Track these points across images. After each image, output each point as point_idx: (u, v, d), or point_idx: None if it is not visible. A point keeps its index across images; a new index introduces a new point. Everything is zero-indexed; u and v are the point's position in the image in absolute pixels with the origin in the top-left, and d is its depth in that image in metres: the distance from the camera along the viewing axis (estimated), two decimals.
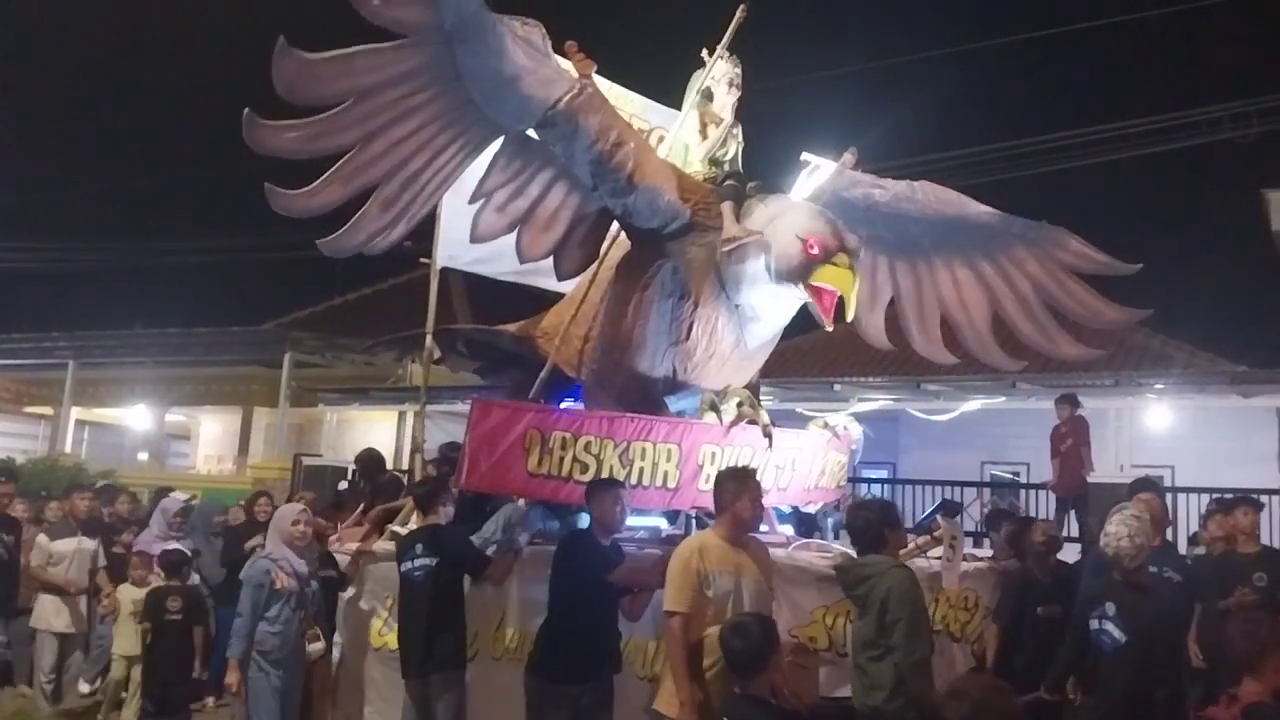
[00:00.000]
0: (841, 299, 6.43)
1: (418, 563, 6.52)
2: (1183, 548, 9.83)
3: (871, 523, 5.58)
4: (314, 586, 7.12)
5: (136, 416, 25.80)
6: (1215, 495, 9.85)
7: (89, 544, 9.96)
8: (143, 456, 25.54)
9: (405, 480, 8.80)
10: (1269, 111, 15.94)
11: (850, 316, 6.61)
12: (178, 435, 27.59)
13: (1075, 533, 11.99)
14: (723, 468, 6.49)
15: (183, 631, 7.87)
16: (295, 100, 5.85)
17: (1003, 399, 15.86)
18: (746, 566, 5.52)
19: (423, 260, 8.19)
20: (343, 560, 7.43)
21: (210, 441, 26.48)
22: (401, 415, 20.90)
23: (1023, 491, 16.02)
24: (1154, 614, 5.56)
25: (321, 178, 6.27)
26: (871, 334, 7.94)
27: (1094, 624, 5.66)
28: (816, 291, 6.41)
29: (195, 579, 8.88)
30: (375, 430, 21.82)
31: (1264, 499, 8.90)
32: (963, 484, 15.50)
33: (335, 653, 7.37)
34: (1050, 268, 7.54)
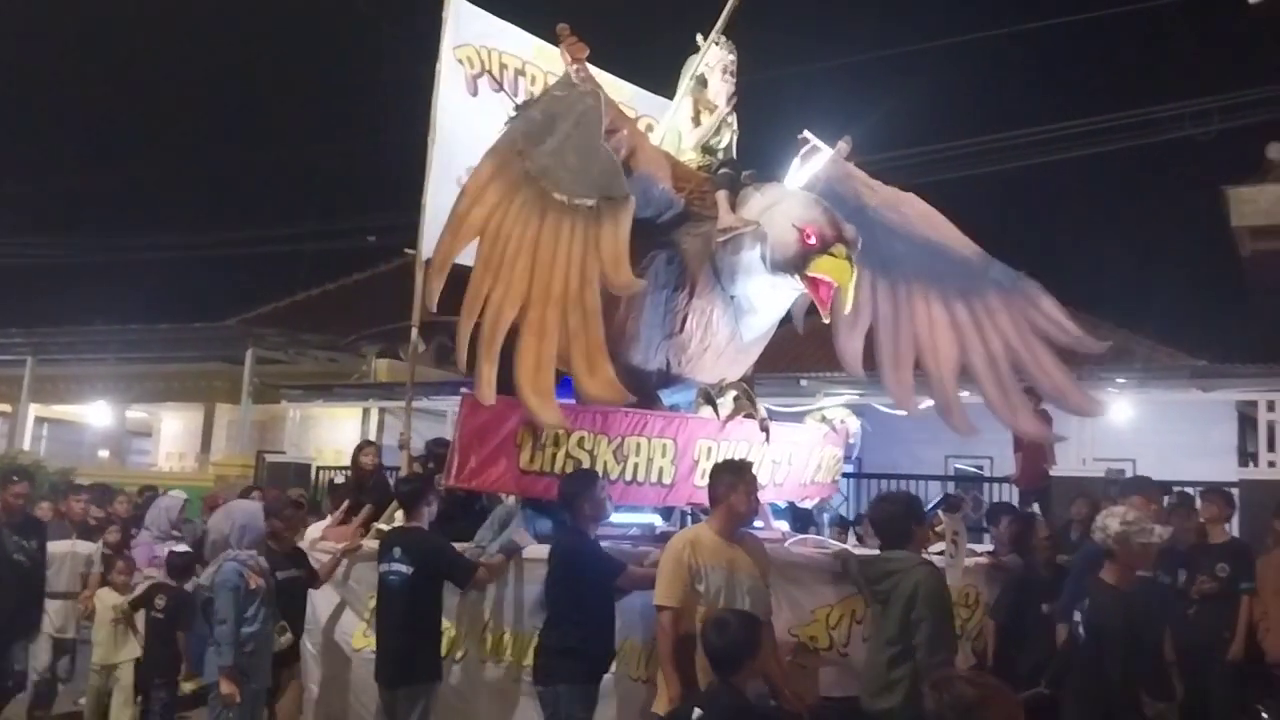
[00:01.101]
0: (838, 290, 6.08)
1: (394, 567, 6.16)
2: None
3: (896, 517, 5.32)
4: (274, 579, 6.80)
5: (97, 413, 25.23)
6: (1177, 490, 9.82)
7: (84, 547, 9.31)
8: (103, 454, 24.96)
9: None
10: (1229, 109, 15.92)
11: (848, 308, 6.26)
12: (139, 432, 27.02)
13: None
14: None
15: (165, 630, 7.64)
16: None
17: (966, 393, 15.66)
18: (741, 562, 5.27)
19: (407, 251, 7.78)
20: (325, 560, 7.02)
21: (172, 438, 25.89)
22: (366, 412, 20.38)
23: (986, 485, 15.98)
24: (1121, 615, 5.17)
25: None
26: (848, 358, 7.24)
27: (1071, 624, 5.45)
28: (813, 282, 6.07)
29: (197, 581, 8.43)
30: (339, 427, 21.41)
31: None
32: (927, 478, 15.40)
33: (308, 651, 7.04)
34: (1022, 328, 7.02)
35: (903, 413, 7.26)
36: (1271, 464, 13.57)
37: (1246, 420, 15.41)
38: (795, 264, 6.10)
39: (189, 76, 47.18)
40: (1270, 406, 13.92)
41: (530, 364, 5.78)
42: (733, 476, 5.44)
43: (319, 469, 18.42)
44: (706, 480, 5.92)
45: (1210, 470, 12.99)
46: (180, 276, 30.56)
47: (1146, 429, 15.74)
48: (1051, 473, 12.35)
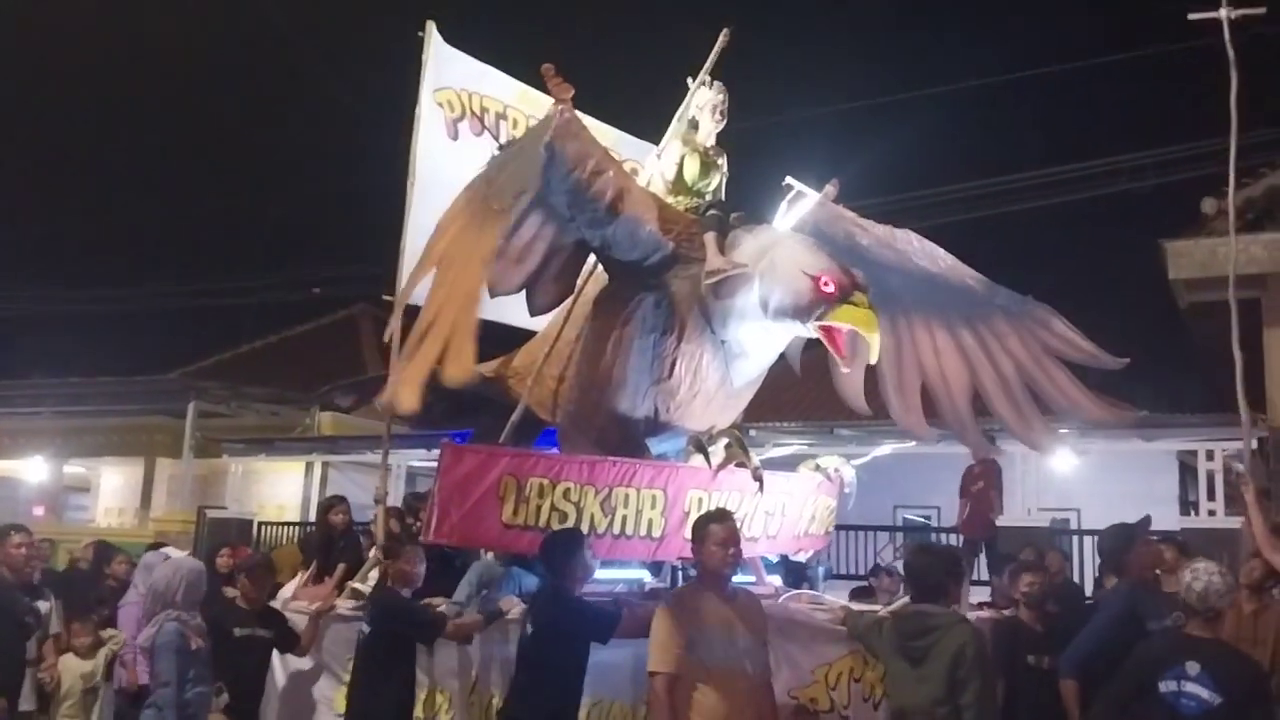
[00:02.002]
0: (856, 337, 5.93)
1: (364, 626, 5.85)
2: (1089, 590, 9.49)
3: (934, 568, 5.01)
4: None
5: (33, 468, 24.21)
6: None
7: (43, 606, 8.02)
8: (38, 511, 24.00)
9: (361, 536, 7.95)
10: (1165, 164, 16.10)
11: (875, 358, 6.06)
12: (77, 487, 26.01)
13: (984, 575, 11.94)
14: None
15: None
16: None
17: (913, 444, 15.59)
18: (737, 621, 4.90)
19: (386, 298, 7.40)
20: (299, 621, 6.58)
21: (111, 493, 24.91)
22: (309, 466, 19.97)
23: (934, 535, 15.84)
24: (1250, 672, 4.87)
25: None
26: (850, 395, 7.02)
27: (1169, 686, 4.85)
28: (828, 332, 5.84)
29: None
30: (282, 481, 20.82)
31: None
32: (875, 528, 15.21)
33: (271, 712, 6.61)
34: (1033, 348, 6.78)
35: (917, 441, 7.11)
36: (1211, 512, 13.59)
37: (1187, 470, 15.43)
38: (808, 312, 5.87)
39: (131, 126, 46.44)
40: (1209, 456, 13.97)
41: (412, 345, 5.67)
42: (699, 530, 5.13)
43: (261, 524, 17.87)
44: None
45: (1154, 519, 12.93)
46: (121, 329, 29.84)
47: (1091, 478, 15.69)
48: (997, 522, 12.19)
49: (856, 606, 6.19)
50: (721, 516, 5.22)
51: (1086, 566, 11.96)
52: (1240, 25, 7.34)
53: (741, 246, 6.25)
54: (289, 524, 18.24)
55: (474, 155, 7.02)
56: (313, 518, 18.97)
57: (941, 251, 6.73)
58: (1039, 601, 6.23)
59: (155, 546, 9.38)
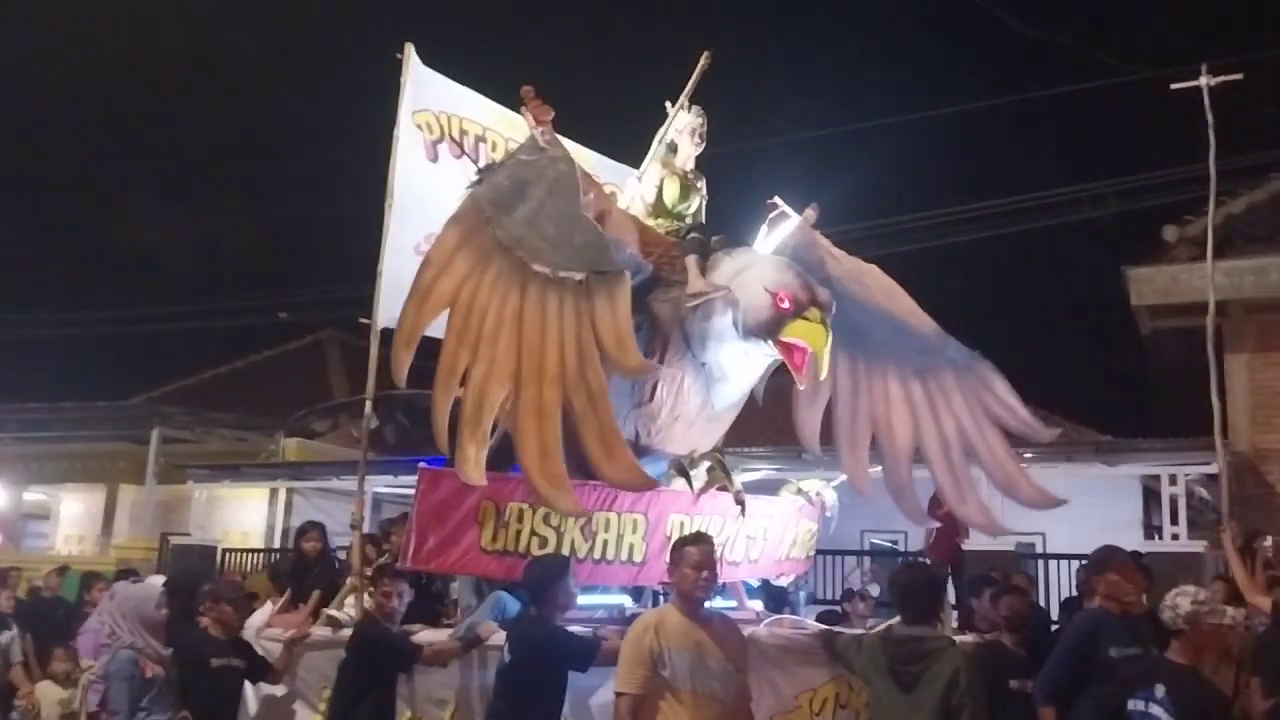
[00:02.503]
0: (812, 355, 5.77)
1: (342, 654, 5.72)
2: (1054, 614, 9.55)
3: (923, 588, 4.99)
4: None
5: None
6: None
7: (3, 636, 8.28)
8: None
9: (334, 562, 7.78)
10: (1127, 192, 16.24)
11: (824, 374, 5.94)
12: (36, 515, 25.49)
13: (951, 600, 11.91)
14: None
15: None
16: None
17: (880, 468, 15.51)
18: (709, 644, 4.83)
19: (362, 321, 7.27)
20: (273, 648, 6.40)
21: (71, 520, 24.35)
22: (274, 492, 19.72)
23: (901, 560, 15.78)
24: (1211, 703, 4.87)
25: None
26: (806, 434, 6.94)
27: (1136, 705, 4.92)
28: (787, 348, 5.74)
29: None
30: (246, 508, 20.41)
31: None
32: (843, 553, 15.12)
33: None
34: (975, 410, 6.73)
35: (860, 494, 6.97)
36: (1175, 536, 13.60)
37: (1151, 494, 15.47)
38: (768, 328, 5.76)
39: (96, 147, 45.86)
40: (1172, 480, 14.01)
41: (534, 449, 5.26)
42: (675, 552, 5.07)
43: (225, 551, 17.53)
44: None
45: (1119, 543, 12.89)
46: (84, 353, 29.36)
47: None
48: (965, 547, 12.17)
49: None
50: (698, 539, 5.15)
51: (1052, 590, 12.04)
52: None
53: (721, 269, 6.18)
54: (253, 551, 18.04)
55: (454, 177, 6.90)
56: (277, 544, 18.87)
57: (901, 292, 6.71)
58: (1022, 625, 6.15)
59: (124, 574, 9.21)
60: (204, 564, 15.77)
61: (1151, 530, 15.30)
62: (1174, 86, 7.67)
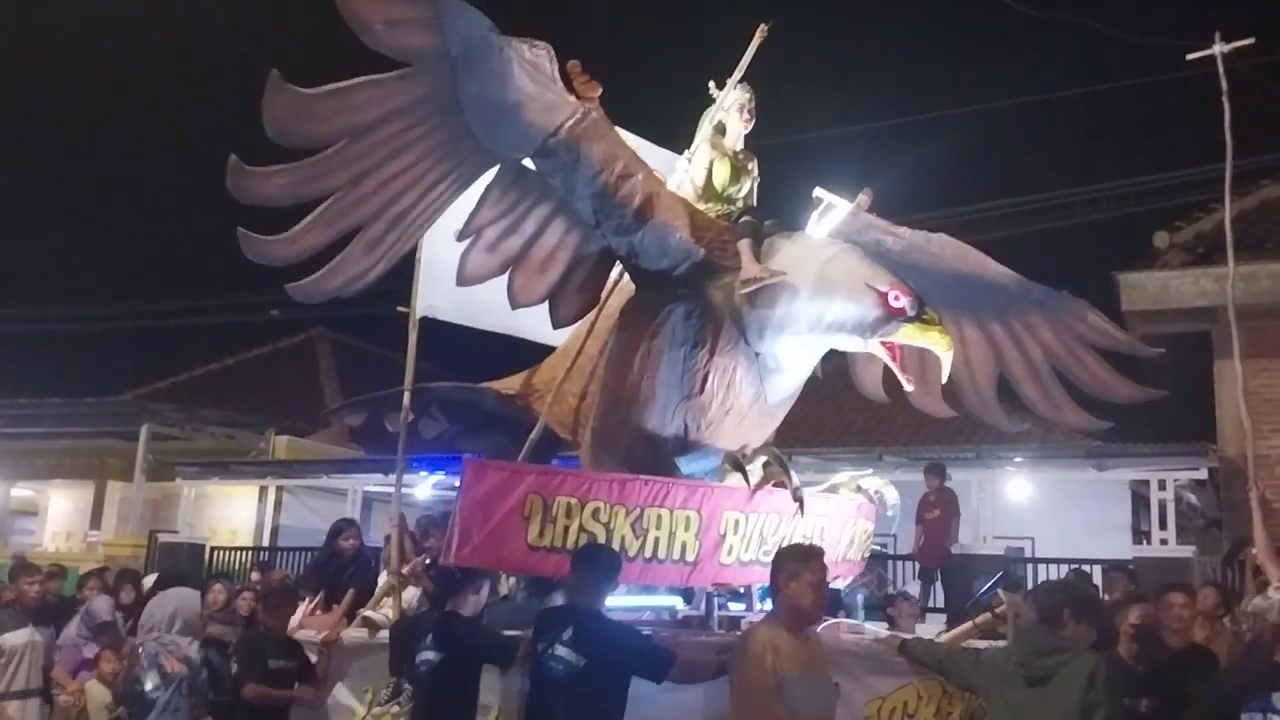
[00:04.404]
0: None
1: (422, 656, 5.10)
2: None
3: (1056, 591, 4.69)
4: (204, 674, 6.18)
5: None
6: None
7: (41, 635, 7.75)
8: None
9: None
10: (1118, 197, 15.95)
11: (946, 378, 5.88)
12: (24, 511, 24.72)
13: (940, 603, 11.54)
14: (748, 538, 5.50)
15: None
16: (287, 142, 4.95)
17: (870, 471, 15.13)
18: (817, 664, 4.53)
19: (400, 310, 6.69)
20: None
21: (60, 517, 23.60)
22: (263, 490, 19.33)
23: (890, 563, 15.38)
24: None
25: (304, 221, 5.14)
26: (868, 386, 7.01)
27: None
28: (890, 349, 5.52)
29: None
30: (235, 506, 19.97)
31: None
32: None
33: None
34: (1065, 338, 6.66)
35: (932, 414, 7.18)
36: (1164, 541, 13.47)
37: (1140, 499, 15.21)
38: (873, 327, 5.49)
39: (82, 143, 44.93)
40: (1161, 485, 13.85)
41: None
42: (796, 563, 4.71)
43: (214, 549, 16.99)
44: (734, 558, 5.25)
45: (1107, 548, 12.92)
46: (73, 349, 28.56)
47: (1045, 507, 15.48)
48: (954, 550, 11.81)
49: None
50: (813, 554, 4.86)
51: None
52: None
53: (780, 254, 5.72)
54: (242, 549, 17.58)
55: None
56: (266, 542, 18.29)
57: (974, 252, 6.57)
58: (1147, 638, 5.53)
59: (124, 574, 8.74)
60: (192, 562, 15.28)
61: (1140, 535, 15.06)
62: (1190, 56, 7.69)
